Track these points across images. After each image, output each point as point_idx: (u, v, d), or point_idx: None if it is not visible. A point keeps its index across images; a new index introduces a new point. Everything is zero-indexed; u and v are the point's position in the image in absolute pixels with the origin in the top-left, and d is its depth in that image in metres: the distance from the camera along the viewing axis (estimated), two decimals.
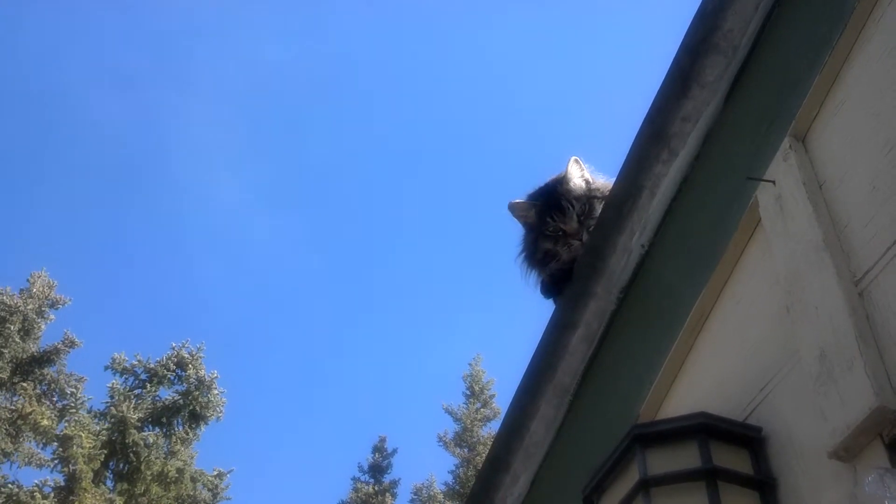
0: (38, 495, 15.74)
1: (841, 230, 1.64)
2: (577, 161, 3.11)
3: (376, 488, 21.23)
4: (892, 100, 1.60)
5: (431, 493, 20.67)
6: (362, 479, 21.68)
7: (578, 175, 3.06)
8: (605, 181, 3.07)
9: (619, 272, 2.32)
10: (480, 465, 2.86)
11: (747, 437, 1.67)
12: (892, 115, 1.59)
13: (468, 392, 21.99)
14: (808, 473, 1.54)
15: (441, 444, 21.24)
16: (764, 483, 1.61)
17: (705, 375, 1.97)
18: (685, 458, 1.65)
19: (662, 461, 1.66)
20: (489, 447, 2.64)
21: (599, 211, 2.88)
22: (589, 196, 2.96)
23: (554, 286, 2.69)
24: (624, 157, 2.31)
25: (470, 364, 22.45)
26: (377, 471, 21.88)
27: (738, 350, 1.87)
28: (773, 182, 1.84)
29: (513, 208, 3.10)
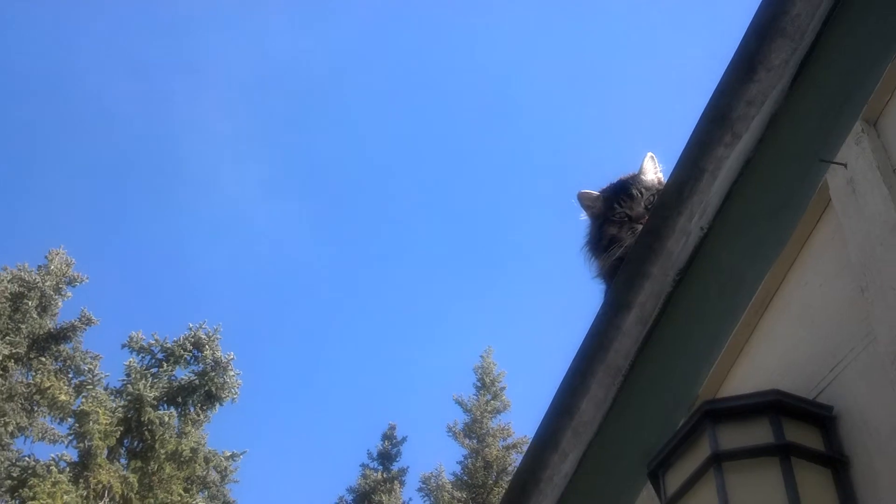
0: (53, 469, 15.87)
1: None
2: (652, 158, 3.19)
3: (385, 475, 21.31)
4: None
5: (440, 482, 20.72)
6: (371, 465, 21.77)
7: (652, 170, 3.14)
8: None
9: (677, 254, 2.33)
10: (528, 444, 2.88)
11: (819, 416, 1.69)
12: None
13: (479, 384, 22.03)
14: (883, 452, 1.55)
15: (451, 434, 21.29)
16: (836, 461, 1.62)
17: (769, 357, 1.99)
18: (757, 434, 1.66)
19: (734, 437, 1.68)
20: (538, 424, 2.66)
21: None
22: (659, 190, 3.01)
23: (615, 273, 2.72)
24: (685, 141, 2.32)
25: (481, 356, 22.50)
26: (386, 458, 21.96)
27: (806, 331, 1.88)
28: (845, 165, 1.85)
29: (581, 197, 3.18)
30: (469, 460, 20.75)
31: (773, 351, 1.98)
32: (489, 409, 21.33)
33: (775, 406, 1.67)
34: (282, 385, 41.76)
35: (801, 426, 1.67)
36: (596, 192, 3.16)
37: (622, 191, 3.06)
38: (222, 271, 44.05)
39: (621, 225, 2.95)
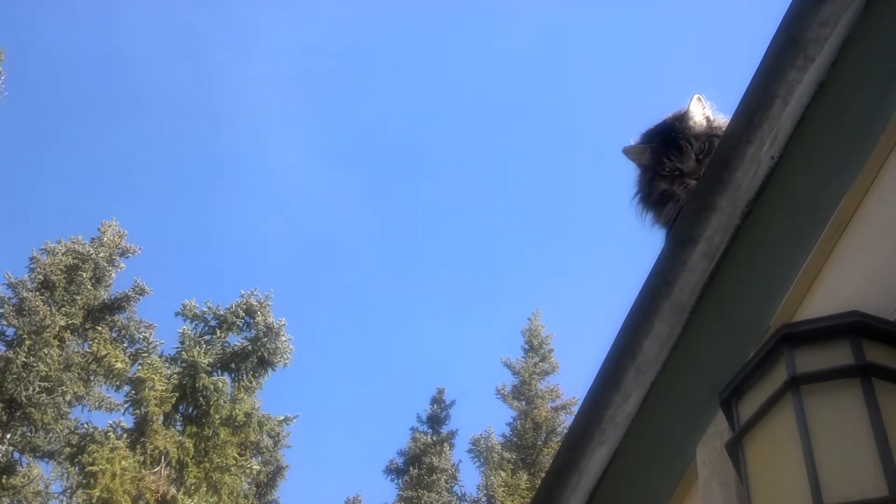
0: (111, 435, 16.30)
1: None
2: (699, 99, 3.03)
3: (434, 438, 21.54)
4: None
5: (489, 443, 20.89)
6: (420, 429, 22.02)
7: (700, 113, 2.98)
8: (726, 120, 2.99)
9: (746, 185, 2.26)
10: (590, 385, 2.86)
11: None
12: None
13: (527, 346, 22.10)
14: None
15: (499, 396, 21.42)
16: None
17: (847, 281, 1.92)
18: (836, 356, 1.61)
19: (812, 359, 1.63)
20: (599, 366, 2.62)
21: None
22: (710, 134, 2.89)
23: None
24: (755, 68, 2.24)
25: (529, 319, 22.53)
26: (435, 421, 22.20)
27: (885, 253, 1.81)
28: None
29: (627, 152, 3.06)
30: (518, 422, 20.89)
31: (851, 275, 1.91)
32: (538, 371, 21.41)
33: (855, 327, 1.61)
34: (333, 351, 42.38)
35: (883, 347, 1.61)
36: (640, 145, 3.04)
37: (670, 144, 2.91)
38: (273, 240, 44.58)
39: (672, 180, 2.84)
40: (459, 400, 22.99)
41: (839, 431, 1.53)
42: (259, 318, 18.27)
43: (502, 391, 21.44)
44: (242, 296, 18.58)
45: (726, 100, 2.97)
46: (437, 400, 22.54)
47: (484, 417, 39.12)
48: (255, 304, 18.42)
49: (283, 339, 18.39)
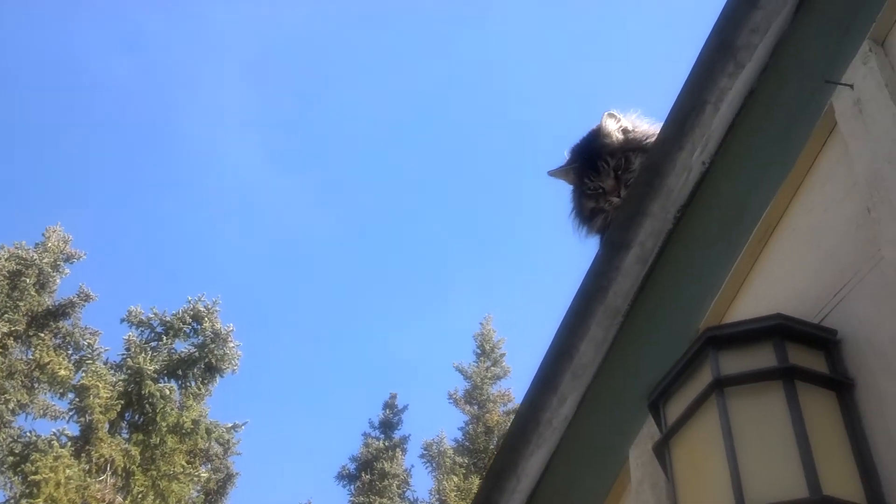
0: (55, 444, 15.91)
1: None
2: (611, 115, 3.10)
3: (386, 444, 21.43)
4: None
5: (441, 448, 20.84)
6: (373, 434, 21.88)
7: (615, 128, 3.06)
8: (650, 126, 3.05)
9: (678, 190, 2.28)
10: (527, 386, 2.85)
11: (822, 339, 1.65)
12: None
13: (479, 351, 22.11)
14: (889, 372, 1.51)
15: (451, 401, 21.39)
16: (841, 383, 1.59)
17: (773, 285, 1.95)
18: (760, 358, 1.63)
19: (736, 362, 1.64)
20: (536, 369, 2.63)
21: (637, 161, 2.89)
22: (624, 149, 2.96)
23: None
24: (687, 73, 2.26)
25: (481, 323, 22.55)
26: (388, 427, 22.08)
27: (811, 256, 1.84)
28: (851, 86, 1.80)
29: (553, 175, 3.15)
30: (470, 426, 20.87)
31: (778, 279, 1.94)
32: (489, 375, 21.42)
33: (778, 330, 1.63)
34: (285, 357, 41.91)
35: (805, 350, 1.63)
36: (563, 167, 3.12)
37: (588, 165, 3.00)
38: (226, 243, 44.02)
39: (597, 198, 2.93)
40: (412, 405, 22.95)
41: (762, 433, 1.54)
42: (206, 324, 17.98)
43: (454, 396, 21.41)
44: (189, 301, 18.28)
45: (662, 105, 3.01)
46: (389, 405, 22.43)
47: (436, 422, 39.16)
48: (202, 309, 18.13)
49: (231, 345, 18.13)
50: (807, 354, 1.63)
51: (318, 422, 39.67)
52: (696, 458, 1.64)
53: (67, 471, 15.39)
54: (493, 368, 21.60)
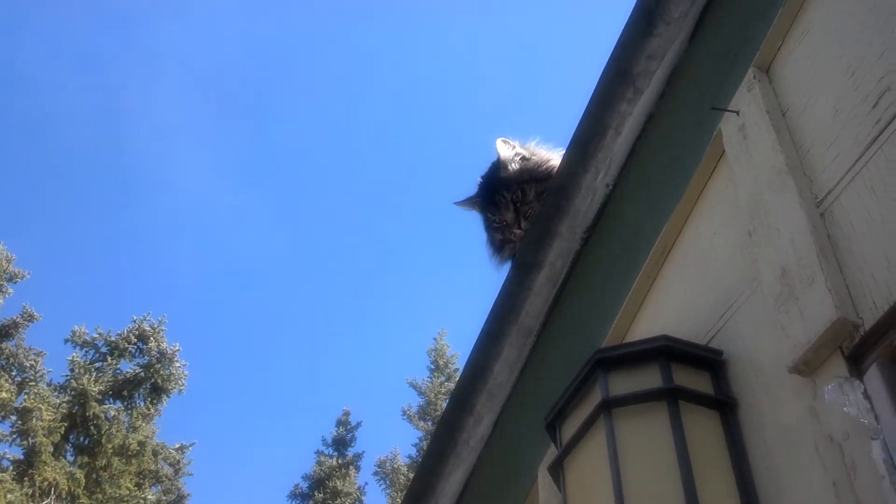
0: None
1: (804, 154, 1.65)
2: (504, 142, 3.14)
3: (340, 461, 21.27)
4: (854, 24, 1.61)
5: (395, 465, 20.75)
6: (326, 452, 21.71)
7: (510, 157, 3.09)
8: (548, 152, 3.10)
9: (584, 212, 2.32)
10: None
11: (708, 360, 1.69)
12: (855, 39, 1.60)
13: (432, 366, 22.09)
14: (767, 391, 1.55)
15: (405, 417, 21.33)
16: (724, 403, 1.63)
17: (667, 307, 1.99)
18: (646, 379, 1.66)
19: (625, 383, 1.67)
20: (453, 389, 2.65)
21: (533, 192, 2.94)
22: (520, 181, 3.00)
23: None
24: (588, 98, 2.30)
25: (434, 339, 22.55)
26: (341, 444, 21.92)
27: (700, 280, 1.88)
28: (737, 112, 1.85)
29: (459, 206, 3.18)
30: (424, 442, 20.78)
31: (670, 301, 1.98)
32: (443, 391, 21.39)
33: (664, 351, 1.67)
34: (236, 375, 41.39)
35: (691, 371, 1.67)
36: (467, 200, 3.19)
37: (488, 200, 3.06)
38: (169, 262, 43.40)
39: (502, 230, 2.98)
40: (365, 422, 22.80)
41: (646, 454, 1.57)
42: (152, 344, 17.71)
43: (408, 412, 21.35)
44: (134, 321, 18.00)
45: (565, 131, 3.07)
46: (342, 422, 22.27)
47: (390, 439, 38.94)
48: (147, 329, 17.86)
49: (178, 364, 17.88)
50: (692, 375, 1.66)
51: (271, 440, 39.21)
52: (585, 479, 1.67)
53: (9, 496, 15.00)
54: (447, 384, 21.57)
